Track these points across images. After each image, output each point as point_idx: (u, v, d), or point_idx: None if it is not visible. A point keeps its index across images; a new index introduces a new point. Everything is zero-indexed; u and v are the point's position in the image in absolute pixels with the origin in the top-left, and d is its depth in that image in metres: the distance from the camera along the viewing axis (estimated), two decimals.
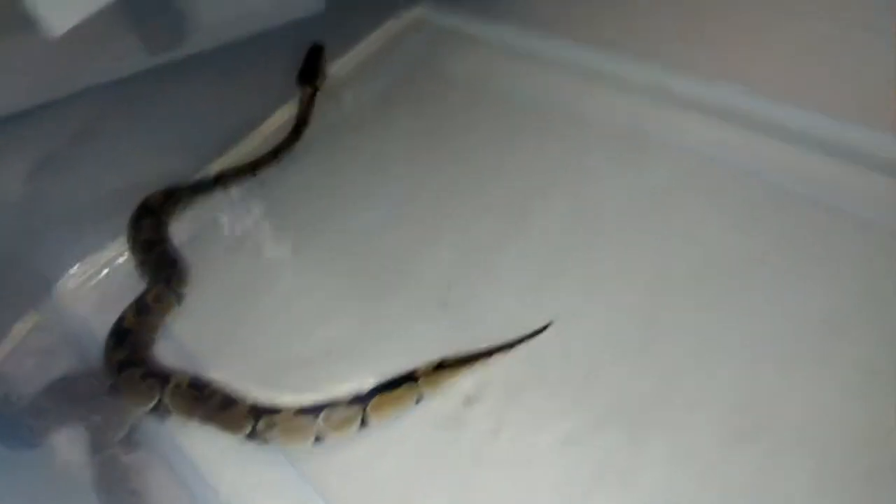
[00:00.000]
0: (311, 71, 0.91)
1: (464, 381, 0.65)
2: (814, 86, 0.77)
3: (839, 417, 0.58)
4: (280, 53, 0.90)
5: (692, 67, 0.83)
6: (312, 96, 0.90)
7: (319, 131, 0.90)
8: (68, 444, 0.67)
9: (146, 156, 0.83)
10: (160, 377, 0.66)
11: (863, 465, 0.56)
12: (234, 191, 0.85)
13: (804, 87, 0.78)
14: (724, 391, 0.61)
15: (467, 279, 0.73)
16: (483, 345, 0.66)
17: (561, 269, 0.72)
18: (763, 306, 0.65)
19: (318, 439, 0.62)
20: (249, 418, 0.62)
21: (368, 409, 0.62)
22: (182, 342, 0.72)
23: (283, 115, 0.92)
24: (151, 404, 0.65)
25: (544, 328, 0.66)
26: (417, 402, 0.64)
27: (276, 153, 0.86)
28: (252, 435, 0.62)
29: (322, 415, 0.62)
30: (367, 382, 0.64)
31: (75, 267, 0.80)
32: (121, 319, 0.71)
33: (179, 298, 0.75)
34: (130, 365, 0.67)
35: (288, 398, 0.64)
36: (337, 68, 0.95)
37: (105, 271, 0.80)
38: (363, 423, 0.62)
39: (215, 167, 0.87)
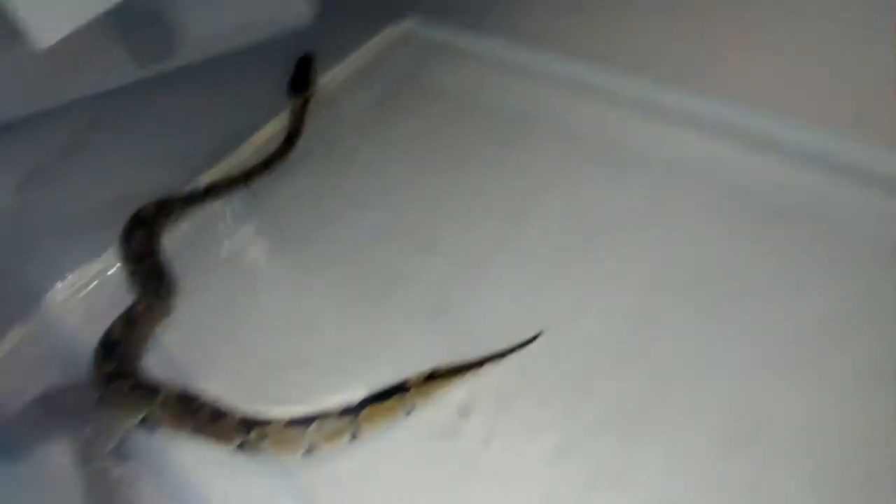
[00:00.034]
0: (301, 81, 0.91)
1: (455, 392, 0.65)
2: (804, 98, 0.78)
3: (836, 423, 0.58)
4: (271, 63, 0.91)
5: (682, 80, 0.83)
6: (304, 106, 0.90)
7: (310, 142, 0.90)
8: (57, 457, 0.66)
9: (136, 167, 0.83)
10: (149, 389, 0.66)
11: (859, 469, 0.56)
12: (227, 201, 0.85)
13: (794, 100, 0.78)
14: (718, 397, 0.61)
15: (459, 289, 0.73)
16: (475, 355, 0.66)
17: (553, 279, 0.72)
18: (756, 313, 0.66)
19: (308, 450, 0.62)
20: (240, 429, 0.62)
21: (359, 419, 0.62)
22: (171, 354, 0.72)
23: (275, 126, 0.92)
24: (140, 416, 0.65)
25: (534, 338, 0.66)
26: (409, 412, 0.64)
27: (268, 164, 0.86)
28: (242, 446, 0.62)
29: (313, 426, 0.61)
30: (358, 393, 0.64)
31: (65, 278, 0.79)
32: (109, 331, 0.70)
33: (168, 310, 0.74)
34: (119, 377, 0.67)
35: (278, 409, 0.63)
36: (327, 80, 0.95)
37: (95, 283, 0.80)
38: (354, 434, 0.62)
39: (207, 178, 0.86)
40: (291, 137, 0.88)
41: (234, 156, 0.90)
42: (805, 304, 0.65)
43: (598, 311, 0.69)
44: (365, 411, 0.62)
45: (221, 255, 0.81)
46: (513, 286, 0.72)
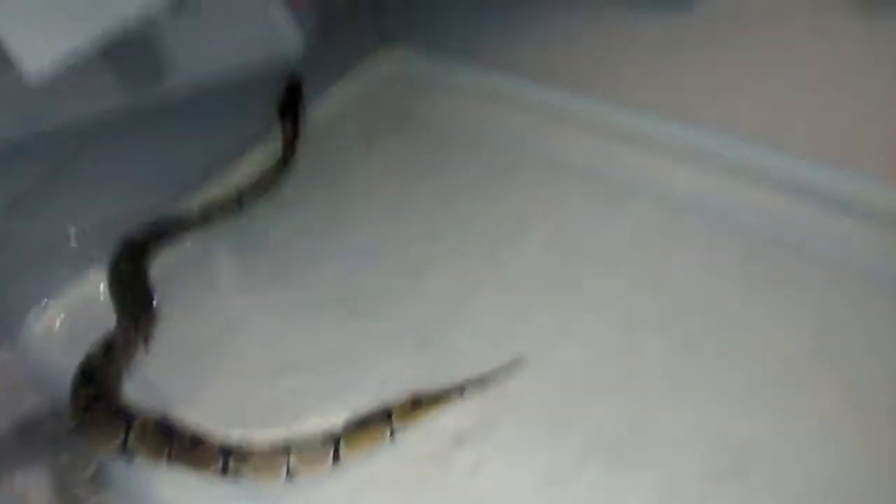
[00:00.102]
0: (291, 103, 0.91)
1: (439, 418, 0.64)
2: (791, 129, 0.79)
3: (820, 453, 0.58)
4: (260, 86, 0.90)
5: (668, 109, 0.84)
6: (296, 128, 0.90)
7: (296, 169, 0.89)
8: (34, 485, 0.65)
9: (124, 191, 0.82)
10: (127, 416, 0.64)
11: (843, 499, 0.56)
12: (216, 225, 0.84)
13: (781, 130, 0.79)
14: (704, 425, 0.61)
15: (443, 316, 0.73)
16: (458, 380, 0.65)
17: (537, 306, 0.72)
18: (740, 343, 0.66)
19: (290, 475, 0.61)
20: (220, 456, 0.61)
21: (341, 444, 0.61)
22: (151, 381, 0.71)
23: (264, 150, 0.91)
24: (118, 444, 0.63)
25: (516, 364, 0.66)
26: (391, 437, 0.63)
27: (262, 186, 0.86)
28: (222, 472, 0.61)
29: (294, 450, 0.61)
30: (341, 418, 0.63)
31: (46, 303, 0.78)
32: (89, 357, 0.69)
33: (148, 337, 0.73)
34: (97, 404, 0.66)
35: (259, 434, 0.63)
36: (313, 108, 0.95)
37: (76, 308, 0.79)
38: (336, 458, 0.61)
39: (197, 202, 0.86)
40: (285, 160, 0.88)
41: (224, 179, 0.89)
42: (789, 335, 0.66)
43: (582, 338, 0.68)
44: (347, 436, 0.62)
45: (206, 279, 0.81)
46: (497, 313, 0.72)
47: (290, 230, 0.84)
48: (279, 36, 0.91)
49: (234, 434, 0.63)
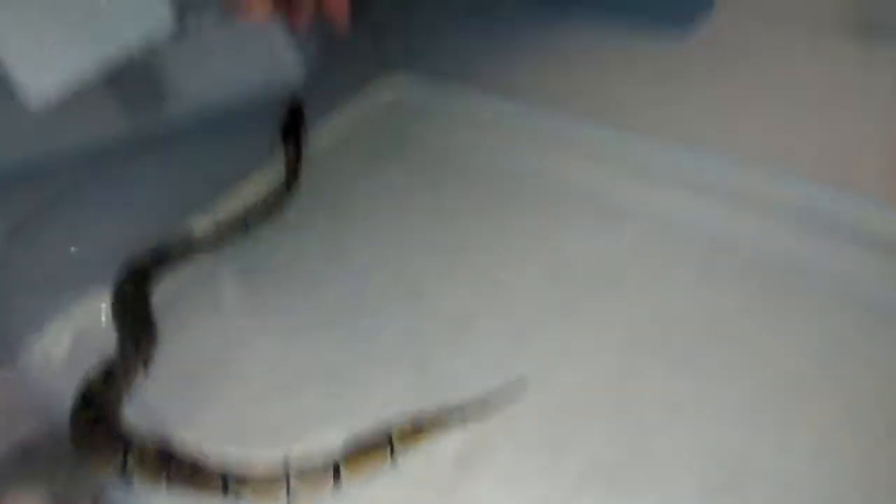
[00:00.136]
0: (293, 126, 0.91)
1: (440, 441, 0.64)
2: (790, 153, 0.79)
3: (813, 473, 0.58)
4: (262, 111, 0.91)
5: (666, 134, 0.85)
6: (298, 151, 0.90)
7: (300, 193, 0.90)
8: None
9: (127, 216, 0.83)
10: (126, 440, 0.64)
11: None
12: (217, 250, 0.85)
13: (780, 154, 0.80)
14: (701, 447, 0.60)
15: (444, 340, 0.72)
16: (458, 404, 0.65)
17: (535, 330, 0.72)
18: (737, 365, 0.66)
19: (290, 497, 0.60)
20: (219, 478, 0.61)
21: (342, 467, 0.61)
22: (151, 405, 0.70)
23: (267, 173, 0.91)
24: (117, 467, 0.63)
25: (516, 387, 0.66)
26: (392, 460, 0.63)
27: (264, 210, 0.86)
28: (222, 495, 0.60)
29: (294, 472, 0.60)
30: (342, 441, 0.63)
31: (47, 327, 0.78)
32: (88, 381, 0.69)
33: (148, 361, 0.73)
34: (96, 427, 0.65)
35: (260, 457, 0.62)
36: (315, 132, 0.96)
37: (77, 332, 0.78)
38: (337, 481, 0.61)
39: (200, 226, 0.86)
40: (288, 183, 0.89)
41: (228, 204, 0.89)
42: (788, 355, 0.66)
43: (582, 360, 0.68)
44: (347, 459, 0.61)
45: (207, 302, 0.80)
46: (498, 336, 0.72)
47: (292, 253, 0.84)
48: (281, 62, 0.92)
49: (234, 456, 0.62)
